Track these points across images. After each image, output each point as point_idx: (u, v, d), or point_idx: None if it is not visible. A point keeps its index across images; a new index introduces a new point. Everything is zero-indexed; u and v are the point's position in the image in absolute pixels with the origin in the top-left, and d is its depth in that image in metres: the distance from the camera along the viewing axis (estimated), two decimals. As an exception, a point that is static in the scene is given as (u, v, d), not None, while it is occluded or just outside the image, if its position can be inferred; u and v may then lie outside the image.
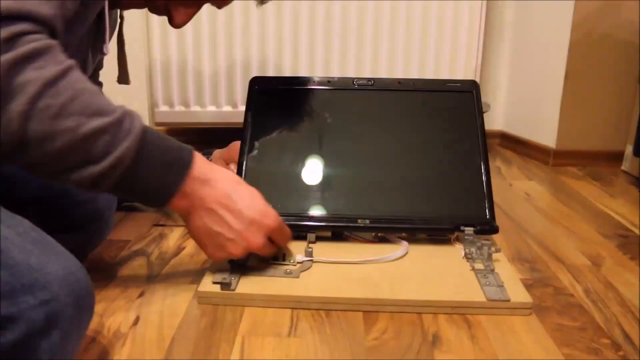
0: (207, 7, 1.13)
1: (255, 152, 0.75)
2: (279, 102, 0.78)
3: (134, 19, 1.27)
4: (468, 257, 0.66)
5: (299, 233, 0.71)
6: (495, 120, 1.39)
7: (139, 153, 0.46)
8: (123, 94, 1.38)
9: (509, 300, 0.57)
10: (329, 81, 0.78)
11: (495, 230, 0.70)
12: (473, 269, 0.63)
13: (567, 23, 1.13)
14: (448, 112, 0.77)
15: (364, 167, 0.74)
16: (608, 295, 0.63)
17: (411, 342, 0.52)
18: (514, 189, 1.04)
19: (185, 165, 0.51)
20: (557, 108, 1.17)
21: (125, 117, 0.46)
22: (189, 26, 1.15)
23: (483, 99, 1.34)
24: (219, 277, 0.60)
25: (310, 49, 1.16)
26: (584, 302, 0.61)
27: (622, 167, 1.18)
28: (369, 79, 0.78)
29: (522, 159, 1.28)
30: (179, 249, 0.74)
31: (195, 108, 1.19)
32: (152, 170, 0.48)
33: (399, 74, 1.17)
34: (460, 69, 1.18)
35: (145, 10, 1.16)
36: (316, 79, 0.79)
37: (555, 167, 1.20)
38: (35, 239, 0.41)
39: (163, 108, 1.19)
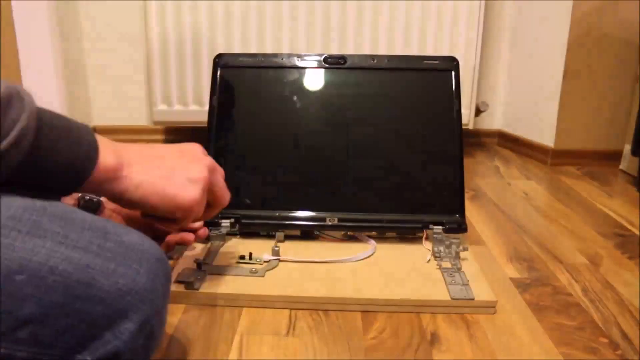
0: (206, 5, 1.13)
1: (220, 143, 0.73)
2: (245, 85, 0.75)
3: (133, 18, 1.27)
4: (436, 255, 0.66)
5: (268, 232, 0.71)
6: (494, 119, 1.39)
7: (40, 129, 0.36)
8: (121, 93, 1.38)
9: (472, 299, 0.57)
10: (298, 58, 0.74)
11: (464, 229, 0.69)
12: (440, 267, 0.64)
13: (565, 22, 1.13)
14: (424, 94, 0.73)
15: (333, 161, 0.72)
16: (606, 294, 0.63)
17: (410, 341, 0.52)
18: (513, 188, 1.04)
19: (91, 133, 0.40)
20: (556, 107, 1.18)
21: (11, 96, 0.35)
22: (187, 24, 1.14)
23: (481, 98, 1.35)
24: (183, 276, 0.60)
25: (309, 49, 1.16)
26: (582, 302, 0.61)
27: (621, 167, 1.18)
28: (340, 57, 0.74)
29: (520, 158, 1.28)
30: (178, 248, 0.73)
31: (194, 107, 1.19)
32: (61, 143, 0.38)
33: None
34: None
35: (144, 7, 1.16)
36: (285, 56, 0.75)
37: (553, 166, 1.20)
38: (111, 249, 0.37)
39: (161, 107, 1.19)
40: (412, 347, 0.51)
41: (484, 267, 0.68)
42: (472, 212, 0.90)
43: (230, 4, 1.13)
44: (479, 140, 1.41)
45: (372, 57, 0.75)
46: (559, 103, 1.17)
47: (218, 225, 0.70)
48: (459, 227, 0.69)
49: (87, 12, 1.28)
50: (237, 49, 1.15)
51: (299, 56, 0.75)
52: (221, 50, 1.15)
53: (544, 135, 1.22)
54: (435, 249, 0.67)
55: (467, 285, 0.59)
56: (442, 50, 1.16)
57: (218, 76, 0.75)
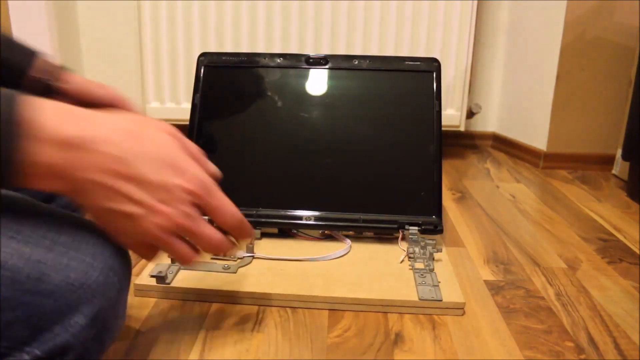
0: (198, 5, 1.14)
1: (201, 141, 0.74)
2: (227, 84, 0.75)
3: (127, 16, 1.28)
4: (410, 256, 0.66)
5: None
6: (488, 121, 1.39)
7: None
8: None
9: (440, 300, 0.57)
10: (280, 58, 0.75)
11: (439, 230, 0.69)
12: (412, 268, 0.64)
13: (559, 25, 1.12)
14: (405, 95, 0.74)
15: (312, 159, 0.73)
16: (579, 298, 0.62)
17: (373, 340, 0.52)
18: (501, 190, 1.04)
19: (16, 131, 0.32)
20: (549, 110, 1.17)
21: None
22: (180, 22, 1.15)
23: (475, 100, 1.34)
24: (156, 270, 0.61)
25: (301, 49, 1.16)
26: (553, 305, 0.60)
27: (613, 171, 1.17)
28: (322, 57, 0.74)
29: (513, 161, 1.27)
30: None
31: (186, 105, 1.20)
32: None
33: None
34: (450, 70, 1.17)
35: (138, 6, 1.17)
36: (267, 56, 0.75)
37: (545, 169, 1.19)
38: (65, 243, 0.37)
39: (154, 104, 1.20)
40: (375, 347, 0.51)
41: (460, 269, 0.68)
42: (456, 214, 0.90)
43: (222, 4, 1.14)
44: (473, 142, 1.40)
45: (354, 57, 0.75)
46: (551, 106, 1.16)
47: None
48: (435, 228, 0.69)
49: (83, 11, 1.29)
50: (228, 48, 1.16)
51: (282, 56, 0.76)
52: (213, 48, 1.16)
53: (537, 138, 1.21)
54: (410, 249, 0.67)
55: (437, 286, 0.59)
56: (433, 51, 1.16)
57: (201, 74, 0.76)
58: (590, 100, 1.16)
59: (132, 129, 0.37)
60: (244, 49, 1.16)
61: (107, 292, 0.38)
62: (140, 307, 0.57)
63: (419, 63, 0.74)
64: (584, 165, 1.19)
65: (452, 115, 1.19)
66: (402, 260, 0.66)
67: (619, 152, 1.14)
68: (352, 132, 0.73)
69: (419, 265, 0.64)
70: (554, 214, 0.91)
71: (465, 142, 1.40)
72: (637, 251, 0.76)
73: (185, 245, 0.41)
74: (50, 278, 0.35)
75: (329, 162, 0.73)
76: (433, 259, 0.65)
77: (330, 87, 0.75)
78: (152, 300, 0.59)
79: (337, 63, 0.75)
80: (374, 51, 1.16)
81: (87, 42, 1.32)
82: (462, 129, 1.20)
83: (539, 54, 1.19)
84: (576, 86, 1.15)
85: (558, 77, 1.14)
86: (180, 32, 1.16)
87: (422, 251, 0.66)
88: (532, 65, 1.22)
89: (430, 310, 0.57)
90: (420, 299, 0.57)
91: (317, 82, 0.75)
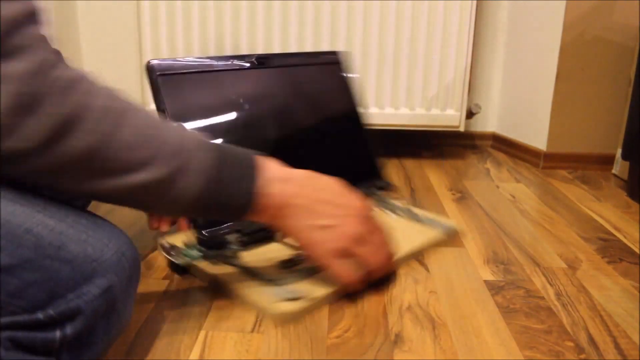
0: (198, 5, 1.14)
1: None
2: (176, 89, 0.75)
3: (127, 16, 1.28)
4: (393, 212, 0.78)
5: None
6: (488, 121, 1.39)
7: (208, 190, 0.46)
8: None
9: (456, 229, 0.69)
10: (229, 60, 0.78)
11: (391, 187, 0.85)
12: (403, 217, 0.76)
13: (558, 24, 1.12)
14: (321, 85, 0.84)
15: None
16: (579, 298, 0.62)
17: (373, 341, 0.52)
18: (500, 191, 1.04)
19: (256, 173, 0.49)
20: (548, 110, 1.17)
21: (183, 160, 0.44)
22: (180, 23, 1.15)
23: (475, 101, 1.34)
24: (282, 293, 0.57)
25: (300, 48, 1.16)
26: (553, 305, 0.60)
27: (613, 171, 1.17)
28: (264, 57, 0.81)
29: (513, 161, 1.27)
30: (157, 246, 0.74)
31: (186, 105, 1.20)
32: (226, 192, 0.47)
33: (388, 73, 1.17)
34: (450, 70, 1.17)
35: (137, 7, 1.17)
36: (216, 58, 0.77)
37: (545, 169, 1.19)
38: (85, 224, 0.42)
39: (154, 106, 1.20)
40: (375, 347, 0.51)
41: (460, 269, 0.68)
42: (457, 214, 0.90)
43: (222, 4, 1.14)
44: (473, 142, 1.40)
45: (267, 56, 0.81)
46: (551, 106, 1.16)
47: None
48: (387, 186, 0.86)
49: (83, 11, 1.30)
50: (228, 48, 1.16)
51: (230, 57, 0.78)
52: (212, 49, 1.16)
53: (537, 138, 1.21)
54: (382, 208, 0.79)
55: (436, 220, 0.73)
56: (433, 51, 1.16)
57: (150, 82, 0.74)
58: (590, 100, 1.16)
59: (309, 174, 0.53)
60: (244, 49, 1.16)
61: (119, 273, 0.41)
62: (140, 307, 0.57)
63: (324, 57, 0.88)
64: (584, 165, 1.19)
65: (451, 115, 1.19)
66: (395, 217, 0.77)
67: (618, 152, 1.14)
68: (291, 126, 0.79)
69: (404, 215, 0.77)
70: (554, 214, 0.91)
71: (465, 143, 1.40)
72: (637, 251, 0.76)
73: (370, 251, 0.55)
74: (70, 248, 0.39)
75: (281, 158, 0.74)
76: (411, 209, 0.77)
77: (260, 86, 0.78)
78: (152, 301, 0.59)
79: (268, 61, 0.80)
80: (373, 51, 1.16)
81: (87, 42, 1.32)
82: (461, 129, 1.20)
83: (539, 54, 1.19)
84: (576, 86, 1.15)
85: (558, 77, 1.14)
86: (180, 33, 1.16)
87: (394, 205, 0.80)
88: (531, 65, 1.23)
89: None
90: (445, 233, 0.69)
91: (250, 82, 0.78)
